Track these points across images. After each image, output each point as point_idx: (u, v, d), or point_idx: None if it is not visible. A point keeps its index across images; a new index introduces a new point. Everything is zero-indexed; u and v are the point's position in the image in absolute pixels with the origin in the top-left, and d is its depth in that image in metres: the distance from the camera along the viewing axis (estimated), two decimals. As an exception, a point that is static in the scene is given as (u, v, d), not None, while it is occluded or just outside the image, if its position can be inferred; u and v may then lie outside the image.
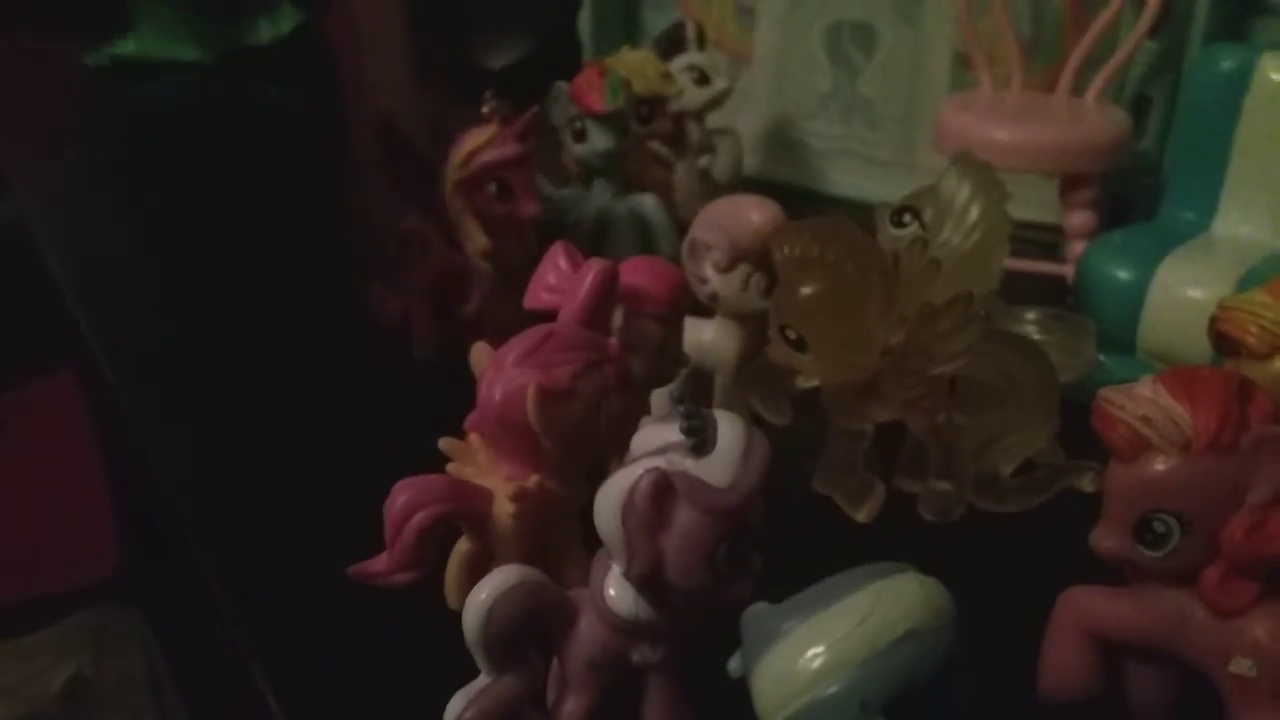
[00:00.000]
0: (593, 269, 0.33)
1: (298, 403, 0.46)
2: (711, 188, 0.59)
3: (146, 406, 0.48)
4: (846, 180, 0.66)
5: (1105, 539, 0.27)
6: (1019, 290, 0.43)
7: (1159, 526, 0.26)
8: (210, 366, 0.51)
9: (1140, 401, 0.26)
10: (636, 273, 0.36)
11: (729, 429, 0.26)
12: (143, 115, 0.85)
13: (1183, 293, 0.42)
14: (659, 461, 0.26)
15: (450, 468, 0.32)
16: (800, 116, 0.68)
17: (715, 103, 0.60)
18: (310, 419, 0.45)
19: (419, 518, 0.30)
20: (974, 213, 0.40)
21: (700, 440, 0.26)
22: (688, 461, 0.26)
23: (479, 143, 0.43)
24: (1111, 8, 0.52)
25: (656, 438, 0.27)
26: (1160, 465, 0.26)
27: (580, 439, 0.32)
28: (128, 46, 0.90)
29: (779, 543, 0.28)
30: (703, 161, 0.61)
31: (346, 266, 0.58)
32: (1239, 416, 0.26)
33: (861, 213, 0.41)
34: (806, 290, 0.36)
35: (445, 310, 0.46)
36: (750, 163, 0.65)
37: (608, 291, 0.34)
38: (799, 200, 0.42)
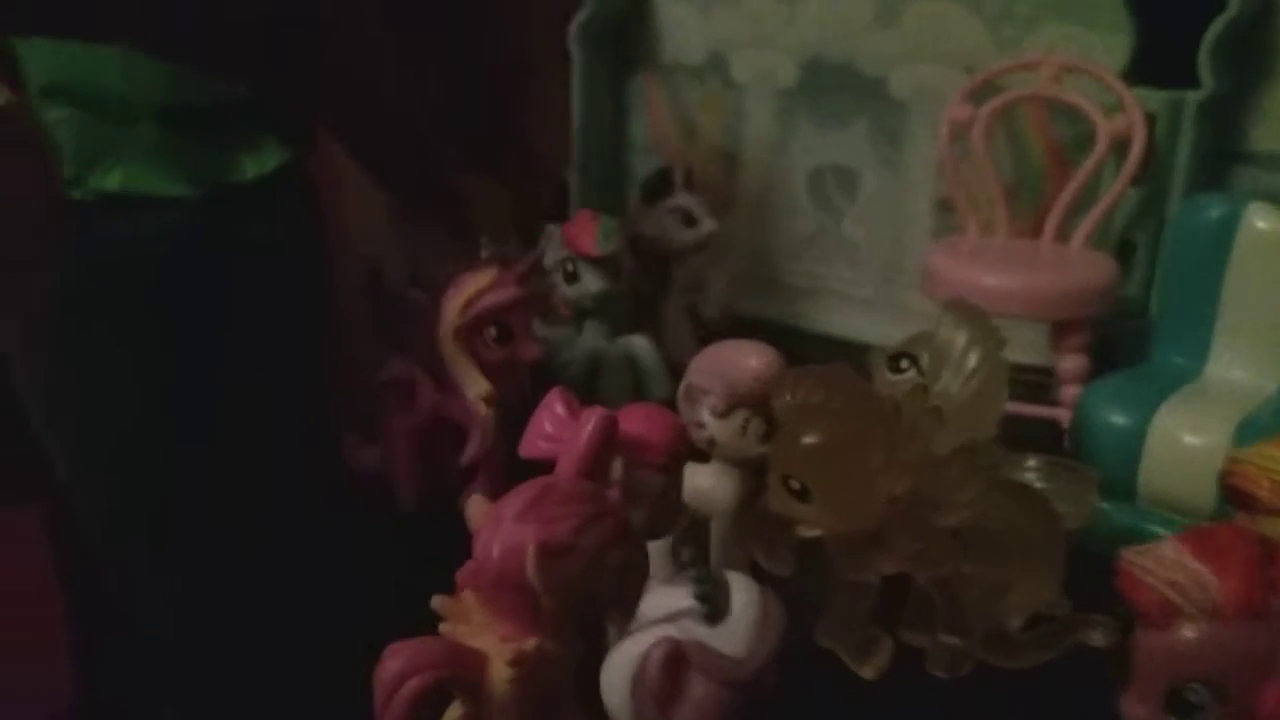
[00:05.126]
0: (592, 419, 0.33)
1: (280, 555, 0.44)
2: (700, 327, 0.59)
3: (119, 552, 0.46)
4: (828, 318, 0.67)
5: (1135, 708, 0.26)
6: (1010, 433, 0.43)
7: (1192, 696, 0.25)
8: (187, 513, 0.49)
9: (1166, 564, 0.26)
10: (636, 421, 0.35)
11: (743, 594, 0.25)
12: (127, 249, 0.84)
13: (1181, 439, 0.42)
14: (670, 629, 0.25)
15: (443, 628, 0.31)
16: (782, 257, 0.68)
17: (702, 244, 0.60)
18: (294, 573, 0.43)
19: (411, 685, 0.28)
20: (972, 359, 0.40)
21: (714, 608, 0.25)
22: (700, 629, 0.25)
23: (478, 287, 0.43)
24: (1094, 159, 0.53)
25: (666, 602, 0.26)
26: (1190, 632, 0.25)
27: (579, 595, 0.31)
28: (112, 180, 0.90)
29: (783, 701, 0.27)
30: (691, 300, 0.61)
31: (328, 413, 0.57)
32: (1265, 580, 0.25)
33: (847, 351, 0.40)
34: (809, 439, 0.35)
35: (430, 458, 0.45)
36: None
37: (608, 442, 0.33)
38: (779, 337, 0.42)
